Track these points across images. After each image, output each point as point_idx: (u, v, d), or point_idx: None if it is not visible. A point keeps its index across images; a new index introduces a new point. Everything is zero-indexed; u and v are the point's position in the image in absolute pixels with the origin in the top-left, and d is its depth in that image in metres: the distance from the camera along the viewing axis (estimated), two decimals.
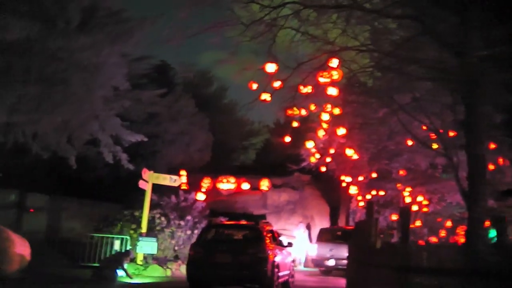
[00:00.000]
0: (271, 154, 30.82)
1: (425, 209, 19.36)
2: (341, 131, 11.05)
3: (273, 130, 34.81)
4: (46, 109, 8.27)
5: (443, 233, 21.91)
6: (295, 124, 13.24)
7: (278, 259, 9.38)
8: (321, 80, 8.38)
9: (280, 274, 9.49)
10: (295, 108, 11.11)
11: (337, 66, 8.26)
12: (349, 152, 12.94)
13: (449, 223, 21.70)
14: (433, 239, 21.16)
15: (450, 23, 8.47)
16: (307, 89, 9.02)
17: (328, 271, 15.58)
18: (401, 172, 15.81)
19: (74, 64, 8.00)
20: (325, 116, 9.77)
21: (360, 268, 6.07)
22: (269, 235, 9.70)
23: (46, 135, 10.23)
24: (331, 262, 15.35)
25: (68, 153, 12.78)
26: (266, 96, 9.55)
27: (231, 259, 8.84)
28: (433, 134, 12.99)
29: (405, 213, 6.22)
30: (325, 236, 16.22)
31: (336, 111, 10.24)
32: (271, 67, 9.40)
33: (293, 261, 11.88)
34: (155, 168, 15.53)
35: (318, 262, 15.94)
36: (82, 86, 10.11)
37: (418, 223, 20.73)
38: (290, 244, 10.82)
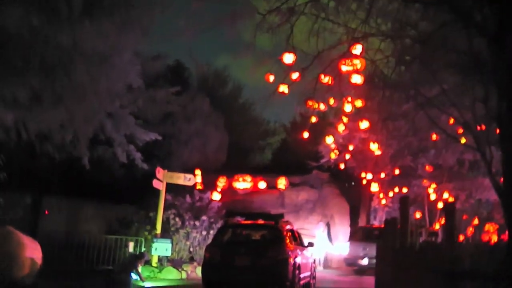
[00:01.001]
0: (288, 153, 30.31)
1: None
2: (364, 124, 10.44)
3: (289, 129, 34.31)
4: (48, 103, 7.92)
5: (470, 230, 20.99)
6: (313, 119, 12.67)
7: (299, 260, 8.86)
8: (344, 68, 7.81)
9: (302, 276, 8.97)
10: (314, 102, 10.55)
11: (361, 53, 7.68)
12: (373, 146, 12.29)
13: (476, 221, 20.84)
14: (460, 237, 20.28)
15: (485, 9, 7.81)
16: (328, 79, 8.44)
17: (362, 271, 15.09)
18: (427, 168, 15.07)
19: (79, 53, 7.63)
20: (347, 107, 9.18)
21: (394, 270, 5.51)
22: (289, 234, 9.19)
23: (51, 132, 9.91)
24: (364, 261, 14.99)
25: (81, 153, 12.50)
26: (284, 88, 9.04)
27: (250, 262, 8.34)
28: (461, 129, 12.31)
29: (450, 210, 5.51)
30: (358, 235, 15.74)
31: (359, 103, 9.64)
32: (289, 58, 8.89)
33: (314, 261, 11.34)
34: (170, 168, 15.23)
35: (351, 261, 15.66)
36: (89, 79, 9.78)
37: (443, 221, 19.94)
38: (311, 244, 10.27)
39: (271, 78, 9.59)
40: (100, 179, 17.24)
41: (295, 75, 9.40)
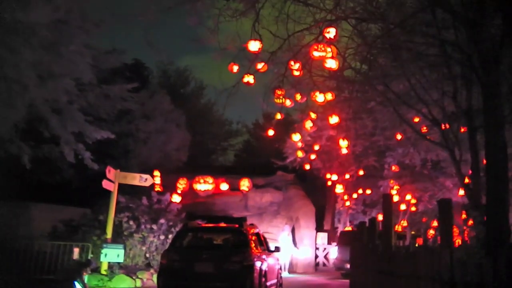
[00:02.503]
0: (251, 155, 29.73)
1: (413, 208, 18.48)
2: (334, 119, 9.87)
3: (252, 131, 33.73)
4: None
5: (431, 233, 21.11)
6: (278, 116, 12.02)
7: (265, 266, 8.11)
8: (316, 54, 7.17)
9: (268, 283, 8.22)
10: (281, 97, 9.88)
11: (334, 37, 7.07)
12: (343, 143, 11.79)
13: (435, 223, 20.96)
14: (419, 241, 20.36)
15: None
16: (298, 66, 7.77)
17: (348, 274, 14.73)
18: (394, 168, 14.81)
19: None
20: (320, 98, 8.55)
21: (374, 276, 4.89)
22: (254, 238, 8.43)
23: None
24: None
25: (19, 151, 11.24)
26: (249, 79, 8.31)
27: (212, 268, 7.51)
28: (426, 127, 12.08)
29: (446, 207, 4.63)
30: (346, 239, 15.39)
31: (329, 96, 9.05)
32: (254, 45, 8.18)
33: (281, 267, 10.64)
34: (128, 169, 14.17)
35: (339, 265, 15.71)
36: (29, 63, 8.69)
37: (404, 223, 19.91)
38: (277, 249, 9.55)
39: (235, 68, 8.85)
40: (47, 180, 15.90)
41: (261, 65, 8.71)
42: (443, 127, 10.22)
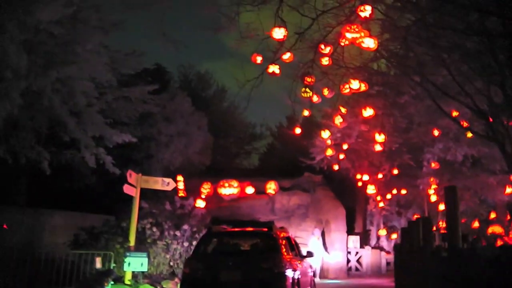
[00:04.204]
0: (275, 158, 28.98)
1: None
2: (368, 112, 9.06)
3: (276, 134, 33.02)
4: None
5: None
6: (306, 112, 11.31)
7: (298, 273, 7.36)
8: (349, 36, 6.42)
9: None
10: (307, 90, 9.16)
11: (370, 16, 6.31)
12: (380, 137, 10.93)
13: (476, 224, 19.65)
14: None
15: None
16: (329, 50, 7.04)
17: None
18: (434, 165, 13.79)
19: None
20: (355, 84, 7.77)
21: (438, 284, 4.09)
22: (285, 243, 7.70)
23: None
24: None
25: (39, 156, 10.91)
26: (274, 68, 7.65)
27: (240, 277, 6.82)
28: (466, 122, 11.07)
29: (451, 194, 3.99)
30: None
31: (356, 85, 8.25)
32: (279, 33, 7.52)
33: (314, 274, 9.87)
34: (151, 173, 13.72)
35: None
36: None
37: (443, 224, 18.75)
38: (310, 254, 8.77)
39: (259, 59, 8.21)
40: (70, 187, 15.67)
41: (286, 56, 8.04)
42: (490, 120, 9.28)
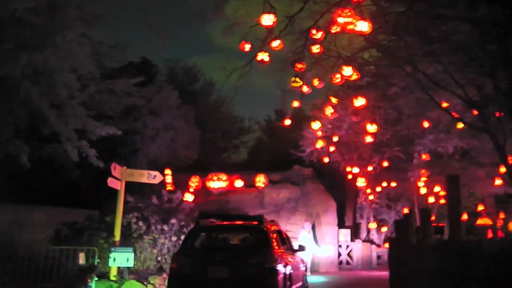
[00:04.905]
0: (264, 152, 28.74)
1: (442, 201, 17.27)
2: (360, 101, 8.83)
3: (264, 128, 32.76)
4: None
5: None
6: (295, 104, 11.02)
7: (290, 268, 7.12)
8: (341, 20, 6.15)
9: None
10: (297, 79, 8.88)
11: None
12: (372, 127, 10.72)
13: (465, 216, 19.71)
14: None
15: None
16: (321, 35, 6.77)
17: None
18: (424, 157, 13.67)
19: None
20: (347, 71, 7.52)
21: (434, 280, 3.87)
22: (275, 236, 7.44)
23: None
24: None
25: (17, 150, 10.47)
26: (263, 56, 7.36)
27: (229, 273, 6.54)
28: (456, 114, 10.93)
29: (453, 180, 3.82)
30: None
31: (348, 71, 8.00)
32: (267, 19, 7.21)
33: (306, 269, 9.64)
34: (137, 168, 13.31)
35: None
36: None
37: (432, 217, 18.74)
38: (302, 248, 8.53)
39: (247, 46, 7.90)
40: (52, 182, 15.21)
41: (276, 43, 7.74)
42: (482, 110, 9.14)
